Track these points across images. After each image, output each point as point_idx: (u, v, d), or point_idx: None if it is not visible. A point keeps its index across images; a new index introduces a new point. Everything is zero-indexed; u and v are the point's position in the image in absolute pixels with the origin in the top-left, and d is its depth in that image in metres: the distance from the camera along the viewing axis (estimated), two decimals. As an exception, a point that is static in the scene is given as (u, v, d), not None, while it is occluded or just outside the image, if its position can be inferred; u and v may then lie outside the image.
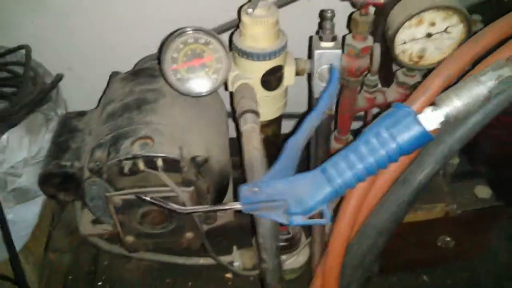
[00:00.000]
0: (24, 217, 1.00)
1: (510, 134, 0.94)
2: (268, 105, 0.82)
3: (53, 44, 1.01)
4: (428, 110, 0.56)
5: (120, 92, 0.89)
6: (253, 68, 0.76)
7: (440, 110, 0.55)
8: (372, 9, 0.78)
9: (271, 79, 0.77)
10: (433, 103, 0.56)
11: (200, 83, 0.72)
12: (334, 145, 0.96)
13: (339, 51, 0.72)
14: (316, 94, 0.77)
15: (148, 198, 0.69)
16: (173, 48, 0.68)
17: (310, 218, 0.60)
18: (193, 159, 0.79)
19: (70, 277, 0.96)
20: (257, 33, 0.73)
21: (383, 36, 0.82)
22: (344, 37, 0.81)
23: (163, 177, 0.77)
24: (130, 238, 0.87)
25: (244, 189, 0.61)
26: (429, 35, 0.78)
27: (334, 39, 0.73)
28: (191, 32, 0.68)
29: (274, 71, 0.76)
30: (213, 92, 0.74)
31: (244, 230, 0.97)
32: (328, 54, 0.73)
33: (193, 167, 0.80)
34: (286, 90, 0.84)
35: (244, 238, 0.95)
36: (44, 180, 0.85)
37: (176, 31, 0.69)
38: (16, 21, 0.97)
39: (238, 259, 0.95)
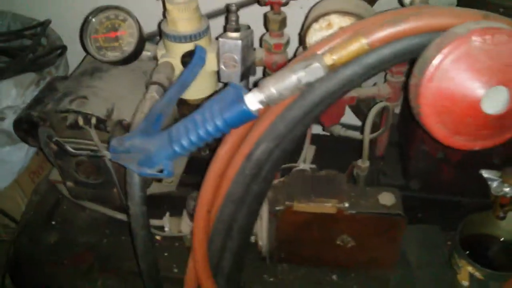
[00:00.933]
0: (12, 159, 1.20)
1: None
2: (193, 85, 0.92)
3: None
4: (252, 92, 0.64)
5: (86, 61, 1.05)
6: (174, 49, 0.88)
7: (259, 94, 0.62)
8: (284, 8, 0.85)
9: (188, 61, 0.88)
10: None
11: (113, 52, 0.85)
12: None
13: (239, 41, 0.82)
14: (222, 79, 0.87)
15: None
16: (97, 21, 0.82)
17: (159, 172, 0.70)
18: (119, 121, 0.92)
19: (32, 212, 1.13)
20: (175, 18, 0.84)
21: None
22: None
23: (92, 133, 0.91)
24: (70, 184, 1.02)
25: (112, 140, 0.73)
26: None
27: (237, 30, 0.82)
28: (113, 9, 0.82)
29: (192, 53, 0.87)
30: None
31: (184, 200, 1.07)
32: (229, 43, 0.82)
33: (119, 129, 0.93)
34: (214, 74, 0.94)
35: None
36: (15, 124, 1.04)
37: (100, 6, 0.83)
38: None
39: (167, 224, 1.06)
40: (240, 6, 0.94)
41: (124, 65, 0.88)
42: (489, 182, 0.93)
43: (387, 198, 0.91)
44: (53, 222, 1.14)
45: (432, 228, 1.06)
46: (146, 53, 0.90)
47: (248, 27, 0.87)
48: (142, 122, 0.73)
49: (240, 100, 0.63)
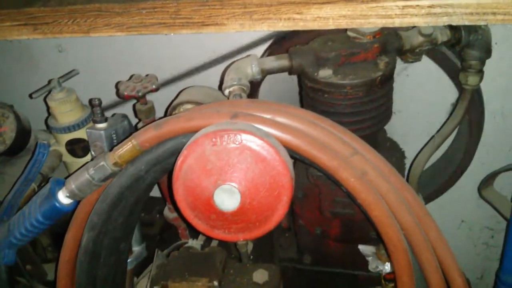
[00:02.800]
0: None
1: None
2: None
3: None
4: (62, 189, 0.70)
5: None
6: (58, 139, 0.97)
7: (65, 191, 0.69)
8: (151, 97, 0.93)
9: (75, 148, 0.97)
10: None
11: (-1, 145, 0.96)
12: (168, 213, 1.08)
13: (102, 132, 0.89)
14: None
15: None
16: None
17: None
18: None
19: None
20: (55, 112, 0.94)
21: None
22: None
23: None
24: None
25: (-25, 229, 0.81)
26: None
27: (101, 121, 0.90)
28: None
29: (74, 142, 0.96)
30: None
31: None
32: (94, 132, 0.90)
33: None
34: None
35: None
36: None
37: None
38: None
39: None
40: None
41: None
42: (367, 258, 0.92)
43: (260, 276, 0.91)
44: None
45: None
46: (42, 142, 1.00)
47: (123, 116, 0.95)
48: (-2, 212, 0.81)
49: (52, 196, 0.70)
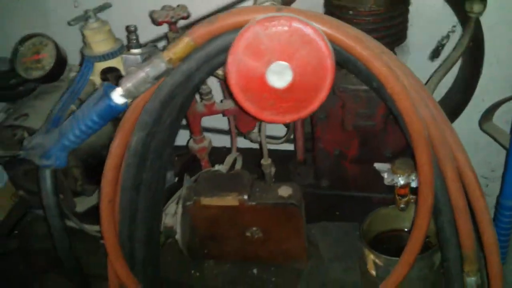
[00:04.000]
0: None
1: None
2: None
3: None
4: (116, 88, 0.77)
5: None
6: (94, 68, 1.03)
7: (120, 89, 0.76)
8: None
9: (108, 77, 1.03)
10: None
11: (37, 71, 1.01)
12: (193, 144, 1.16)
13: (138, 57, 0.96)
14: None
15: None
16: (25, 48, 1.00)
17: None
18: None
19: (-2, 224, 1.28)
20: (90, 41, 1.00)
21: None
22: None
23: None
24: (21, 193, 1.17)
25: (24, 141, 0.88)
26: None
27: (137, 47, 0.97)
28: (37, 36, 0.99)
29: (109, 70, 1.02)
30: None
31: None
32: (130, 58, 0.97)
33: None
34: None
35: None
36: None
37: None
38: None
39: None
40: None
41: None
42: (382, 174, 1.01)
43: (285, 191, 0.99)
44: (16, 232, 1.28)
45: (348, 225, 1.13)
46: (73, 74, 1.06)
47: (154, 45, 1.02)
48: (44, 124, 0.87)
49: (106, 95, 0.76)
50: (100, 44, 1.00)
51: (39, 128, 1.04)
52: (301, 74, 0.64)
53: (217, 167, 1.09)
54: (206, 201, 1.00)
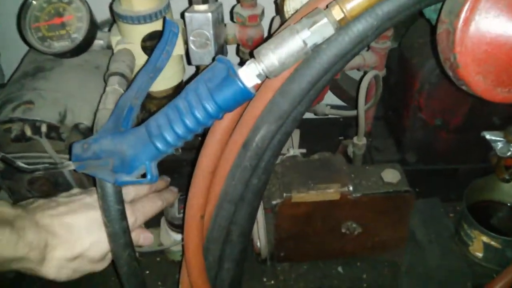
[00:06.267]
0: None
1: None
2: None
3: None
4: (247, 65, 0.52)
5: (26, 61, 0.89)
6: (132, 33, 0.74)
7: (257, 66, 0.51)
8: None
9: (153, 45, 0.75)
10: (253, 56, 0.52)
11: (60, 41, 0.70)
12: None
13: (209, 14, 0.69)
14: (193, 62, 0.75)
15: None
16: (36, 7, 0.68)
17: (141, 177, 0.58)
18: (75, 126, 0.78)
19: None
20: (129, -5, 0.71)
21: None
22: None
23: (43, 142, 0.76)
24: (24, 205, 0.86)
25: (74, 146, 0.59)
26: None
27: (205, 2, 0.70)
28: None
29: (154, 36, 0.74)
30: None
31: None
32: (198, 17, 0.70)
33: (76, 135, 0.78)
34: (181, 59, 0.81)
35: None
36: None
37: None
38: None
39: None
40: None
41: (72, 58, 0.73)
42: (493, 144, 0.87)
43: (391, 175, 0.82)
44: None
45: (432, 201, 1.00)
46: (97, 42, 0.76)
47: (216, 0, 0.75)
48: (108, 119, 0.59)
49: (233, 75, 0.51)
50: (142, 1, 0.71)
51: (81, 126, 0.75)
52: None
53: (291, 151, 0.87)
54: (299, 197, 0.79)
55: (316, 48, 0.51)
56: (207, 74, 0.53)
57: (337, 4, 0.49)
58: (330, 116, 1.00)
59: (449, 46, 0.47)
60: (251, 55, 0.53)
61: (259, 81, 0.52)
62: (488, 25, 0.45)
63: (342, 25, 0.50)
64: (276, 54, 0.50)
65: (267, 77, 0.52)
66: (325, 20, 0.48)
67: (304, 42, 0.49)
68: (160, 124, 0.55)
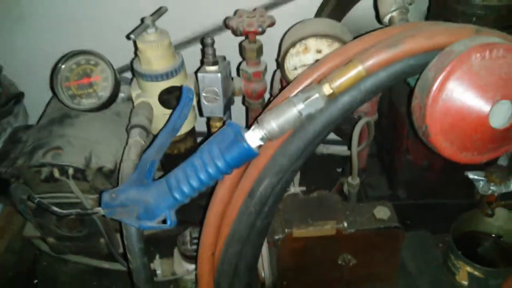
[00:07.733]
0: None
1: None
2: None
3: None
4: (252, 129, 0.62)
5: (53, 108, 0.99)
6: (151, 88, 0.84)
7: (260, 130, 0.60)
8: (261, 37, 0.84)
9: (169, 98, 0.85)
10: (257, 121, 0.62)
11: (88, 99, 0.80)
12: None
13: (218, 75, 0.79)
14: (205, 114, 0.84)
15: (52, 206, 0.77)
16: (66, 68, 0.78)
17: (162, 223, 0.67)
18: (100, 169, 0.87)
19: (10, 274, 1.05)
20: (149, 57, 0.81)
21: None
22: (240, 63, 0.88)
23: (70, 184, 0.86)
24: (51, 240, 0.95)
25: (104, 195, 0.69)
26: (317, 61, 0.83)
27: (215, 63, 0.80)
28: (83, 54, 0.77)
29: (170, 90, 0.84)
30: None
31: (172, 240, 1.03)
32: (209, 76, 0.80)
33: (99, 177, 0.88)
34: (193, 109, 0.91)
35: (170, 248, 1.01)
36: (-19, 182, 0.96)
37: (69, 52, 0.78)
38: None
39: (159, 267, 1.01)
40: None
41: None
42: (475, 183, 0.96)
43: (382, 212, 0.90)
44: (35, 281, 1.07)
45: (421, 233, 1.08)
46: (119, 95, 0.86)
47: (224, 58, 0.85)
48: (134, 172, 0.69)
49: (241, 138, 0.61)
50: (162, 60, 0.81)
51: (104, 169, 0.84)
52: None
53: (292, 189, 0.97)
54: (299, 233, 0.88)
55: (310, 116, 0.60)
56: (218, 137, 0.63)
57: (327, 82, 0.58)
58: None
59: (421, 117, 0.56)
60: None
61: (262, 143, 0.62)
62: (453, 101, 0.54)
63: (331, 98, 0.59)
64: (276, 122, 0.60)
65: (269, 139, 0.62)
66: (317, 95, 0.58)
67: (299, 112, 0.59)
68: (179, 179, 0.64)
